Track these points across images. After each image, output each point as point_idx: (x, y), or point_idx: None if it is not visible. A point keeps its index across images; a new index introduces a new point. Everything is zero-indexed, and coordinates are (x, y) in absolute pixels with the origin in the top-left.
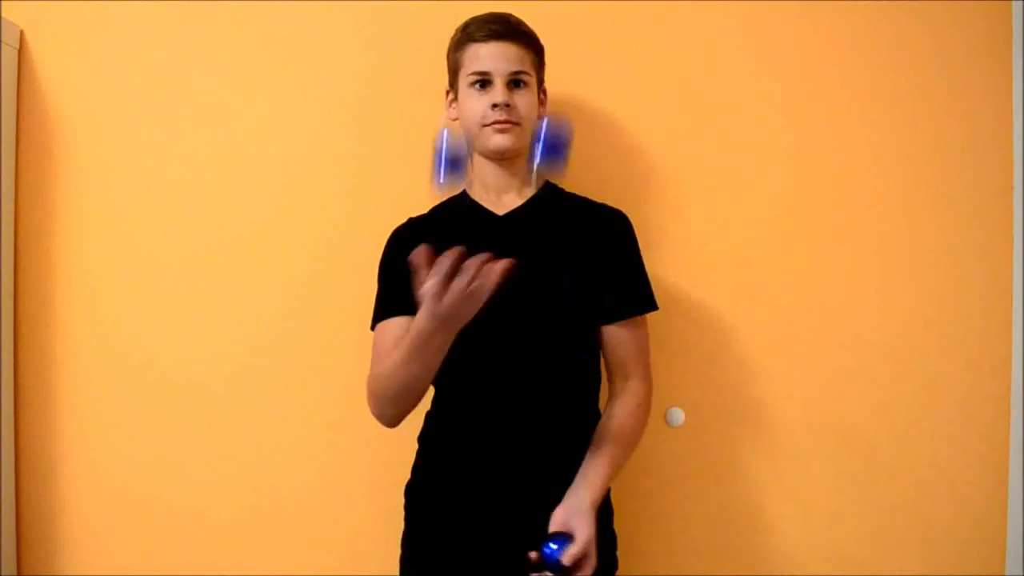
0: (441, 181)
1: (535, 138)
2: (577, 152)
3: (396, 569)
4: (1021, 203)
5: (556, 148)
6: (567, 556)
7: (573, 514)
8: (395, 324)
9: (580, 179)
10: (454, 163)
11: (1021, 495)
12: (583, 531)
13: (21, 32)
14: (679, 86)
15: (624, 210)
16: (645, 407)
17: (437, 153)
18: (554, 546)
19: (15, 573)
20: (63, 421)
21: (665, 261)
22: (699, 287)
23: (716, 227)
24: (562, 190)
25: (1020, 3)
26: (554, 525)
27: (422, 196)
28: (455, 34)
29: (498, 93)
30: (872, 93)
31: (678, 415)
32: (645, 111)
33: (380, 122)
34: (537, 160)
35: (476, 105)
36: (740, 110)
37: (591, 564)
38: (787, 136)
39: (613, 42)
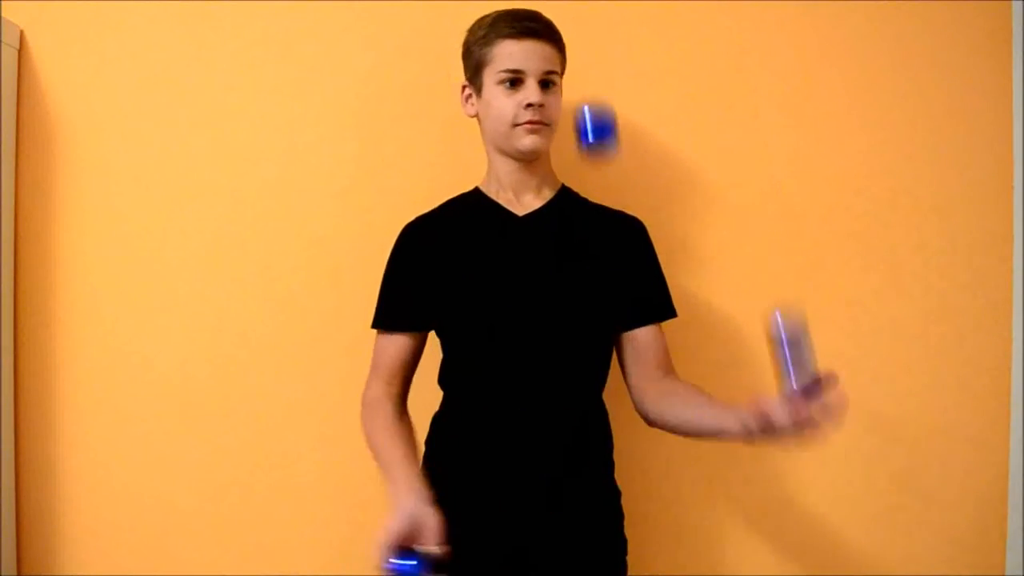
0: (590, 142)
1: (578, 126)
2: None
3: None
4: (1021, 203)
5: (604, 130)
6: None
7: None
8: (395, 343)
9: (584, 178)
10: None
11: (1021, 495)
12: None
13: (21, 32)
14: (685, 90)
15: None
16: None
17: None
18: None
19: (15, 573)
20: (63, 421)
21: (663, 262)
22: (700, 288)
23: (717, 228)
24: (578, 195)
25: (1020, 3)
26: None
27: (423, 196)
28: (479, 29)
29: (532, 92)
30: (872, 93)
31: None
32: (650, 114)
33: (380, 122)
34: (588, 142)
35: (506, 104)
36: (743, 113)
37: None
38: (787, 138)
39: (617, 43)
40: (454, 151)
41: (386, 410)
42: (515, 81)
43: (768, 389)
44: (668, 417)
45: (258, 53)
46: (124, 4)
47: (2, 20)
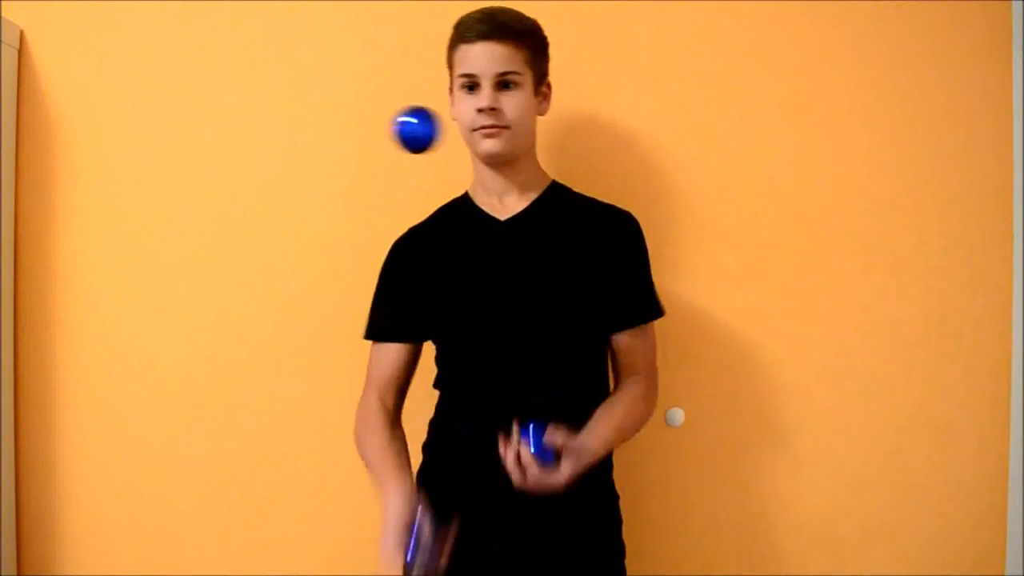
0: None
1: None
2: (581, 152)
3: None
4: (1021, 203)
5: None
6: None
7: (571, 445)
8: (390, 352)
9: (584, 179)
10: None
11: (1021, 495)
12: (567, 465)
13: (21, 32)
14: (685, 90)
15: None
16: (652, 399)
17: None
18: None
19: (15, 573)
20: (63, 421)
21: (664, 262)
22: (699, 288)
23: (717, 228)
24: (568, 189)
25: (1020, 3)
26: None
27: (422, 196)
28: (451, 32)
29: (483, 97)
30: (872, 93)
31: (678, 415)
32: (650, 114)
33: (380, 122)
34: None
35: (465, 108)
36: (743, 113)
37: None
38: (787, 138)
39: (617, 43)
40: (454, 151)
41: (379, 423)
42: (472, 85)
43: (766, 388)
44: None
45: (258, 53)
46: (124, 4)
47: (2, 20)
